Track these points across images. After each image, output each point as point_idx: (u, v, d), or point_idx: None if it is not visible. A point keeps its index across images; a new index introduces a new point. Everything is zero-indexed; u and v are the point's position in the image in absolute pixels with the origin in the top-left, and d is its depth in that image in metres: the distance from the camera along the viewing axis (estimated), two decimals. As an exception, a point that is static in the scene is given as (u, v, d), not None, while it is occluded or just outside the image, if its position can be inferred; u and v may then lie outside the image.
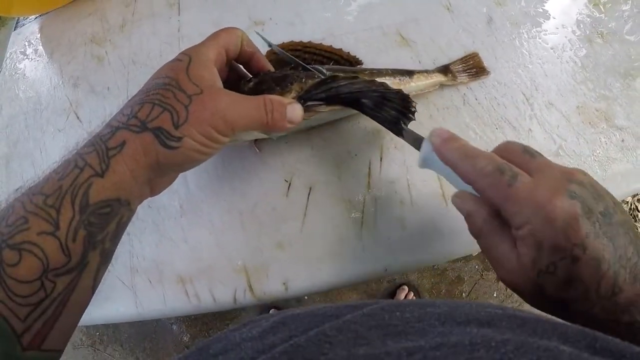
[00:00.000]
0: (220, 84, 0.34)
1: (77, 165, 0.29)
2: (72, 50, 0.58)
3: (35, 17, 0.65)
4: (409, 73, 0.43)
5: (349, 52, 0.47)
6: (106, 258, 0.31)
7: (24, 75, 0.60)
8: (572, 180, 0.27)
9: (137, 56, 0.54)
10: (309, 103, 0.38)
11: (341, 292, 1.45)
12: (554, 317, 0.23)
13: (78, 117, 0.53)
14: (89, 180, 0.29)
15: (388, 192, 0.41)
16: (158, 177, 0.33)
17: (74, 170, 0.29)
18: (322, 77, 0.39)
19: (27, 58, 0.62)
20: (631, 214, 1.54)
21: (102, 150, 0.30)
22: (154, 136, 0.31)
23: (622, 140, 0.43)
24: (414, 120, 0.38)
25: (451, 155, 0.31)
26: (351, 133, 0.44)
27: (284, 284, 0.40)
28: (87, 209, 0.29)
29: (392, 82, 0.42)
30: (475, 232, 0.31)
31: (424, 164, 0.33)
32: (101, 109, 0.52)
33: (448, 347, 0.19)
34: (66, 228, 0.28)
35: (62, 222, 0.28)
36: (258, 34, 0.45)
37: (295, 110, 0.36)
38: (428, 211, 0.40)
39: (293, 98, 0.38)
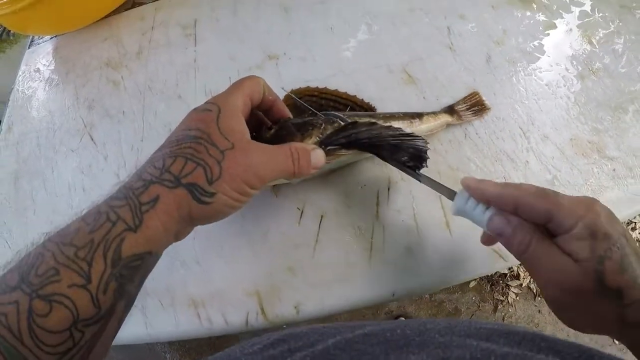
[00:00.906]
0: (248, 135, 0.34)
1: (109, 218, 0.29)
2: (88, 72, 0.59)
3: (51, 38, 0.66)
4: (419, 115, 0.46)
5: (362, 99, 0.49)
6: (131, 302, 0.32)
7: (37, 93, 0.62)
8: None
9: (154, 83, 0.56)
10: (330, 147, 0.40)
11: (336, 320, 1.45)
12: (552, 336, 0.24)
13: (92, 139, 0.54)
14: (122, 235, 0.29)
15: (395, 220, 0.44)
16: (187, 227, 0.33)
17: (106, 223, 0.29)
18: (342, 123, 0.41)
19: (41, 77, 0.63)
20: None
21: (135, 204, 0.30)
22: (188, 192, 0.31)
23: (614, 170, 0.46)
24: (427, 167, 0.40)
25: (492, 188, 0.33)
26: (360, 165, 0.47)
27: (295, 307, 0.41)
28: (119, 263, 0.29)
29: (404, 125, 0.44)
30: (523, 247, 0.32)
31: (459, 212, 0.35)
32: (115, 133, 0.54)
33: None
34: (97, 281, 0.28)
35: (94, 275, 0.28)
36: (292, 95, 0.46)
37: (318, 156, 0.38)
38: (433, 239, 0.43)
39: (314, 143, 0.39)
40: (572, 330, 0.33)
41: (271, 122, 0.41)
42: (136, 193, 0.30)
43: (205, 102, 0.35)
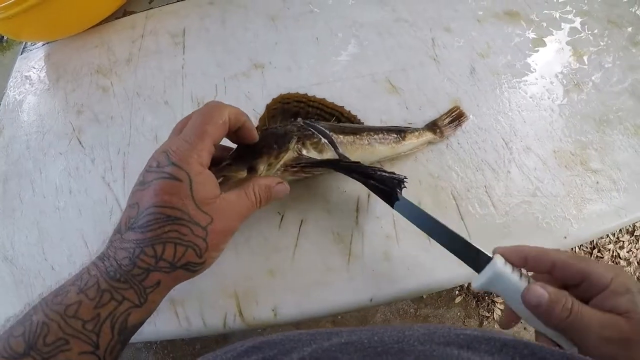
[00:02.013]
0: (219, 191, 0.36)
1: (113, 297, 0.32)
2: (78, 78, 0.60)
3: (43, 44, 0.67)
4: (402, 133, 0.46)
5: (349, 111, 0.49)
6: None
7: (28, 98, 0.63)
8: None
9: (142, 89, 0.56)
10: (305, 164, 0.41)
11: (319, 325, 1.44)
12: (533, 342, 0.23)
13: (80, 143, 0.55)
14: (128, 311, 0.33)
15: (374, 227, 0.44)
16: None
17: (112, 302, 0.32)
18: (320, 137, 0.43)
19: (32, 82, 0.64)
20: (613, 261, 1.57)
21: (139, 289, 0.33)
22: (184, 270, 0.35)
23: (597, 183, 0.46)
24: (398, 198, 0.40)
25: (529, 248, 0.34)
26: (334, 175, 0.47)
27: (273, 310, 0.41)
28: (124, 332, 0.33)
29: (387, 143, 0.45)
30: (567, 311, 0.31)
31: (492, 279, 0.33)
32: (103, 137, 0.54)
33: None
34: (105, 346, 0.32)
35: (102, 343, 0.31)
36: (308, 124, 0.45)
37: (280, 190, 0.40)
38: (411, 246, 0.43)
39: (290, 161, 0.41)
40: None
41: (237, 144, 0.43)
42: (138, 279, 0.33)
43: (170, 163, 0.34)
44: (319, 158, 0.42)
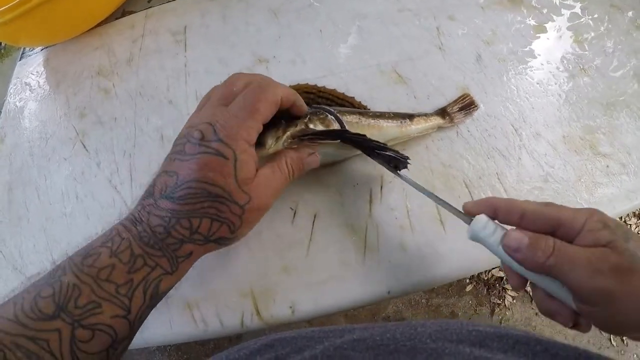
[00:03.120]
0: (256, 167, 0.36)
1: (146, 263, 0.32)
2: (79, 82, 0.60)
3: (42, 49, 0.67)
4: (410, 117, 0.46)
5: (360, 102, 0.49)
6: None
7: (29, 104, 0.62)
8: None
9: (145, 89, 0.56)
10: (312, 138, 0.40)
11: (334, 323, 1.44)
12: (546, 338, 0.23)
13: (85, 147, 0.54)
14: (160, 277, 0.33)
15: (388, 218, 0.43)
16: None
17: (145, 267, 0.32)
18: (327, 114, 0.42)
19: (32, 88, 0.63)
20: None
21: (172, 257, 0.34)
22: (216, 244, 0.35)
23: (607, 167, 0.46)
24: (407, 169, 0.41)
25: (500, 200, 0.34)
26: (353, 164, 0.47)
27: (290, 307, 0.41)
28: (156, 297, 0.34)
29: (394, 122, 0.45)
30: (549, 250, 0.30)
31: (474, 234, 0.34)
32: (108, 139, 0.54)
33: None
34: (136, 311, 0.32)
35: (134, 307, 0.32)
36: (324, 109, 0.44)
37: (312, 162, 0.41)
38: (427, 235, 0.42)
39: (297, 132, 0.41)
40: (569, 332, 0.32)
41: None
42: (172, 248, 0.33)
43: (218, 139, 0.34)
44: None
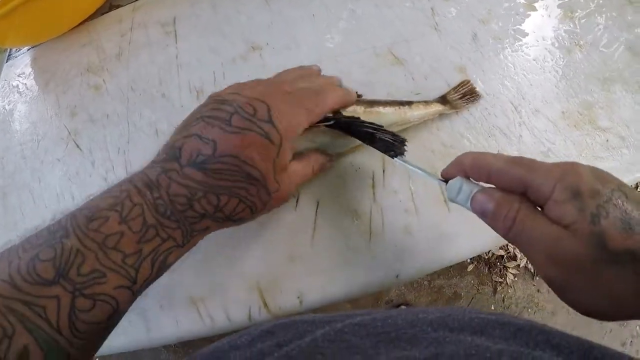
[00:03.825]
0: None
1: (158, 234, 0.30)
2: (68, 80, 0.58)
3: (28, 49, 0.65)
4: (408, 103, 0.45)
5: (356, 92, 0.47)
6: None
7: (18, 106, 0.61)
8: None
9: (136, 84, 0.55)
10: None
11: (339, 309, 1.44)
12: (548, 327, 0.21)
13: (78, 146, 0.53)
14: (170, 250, 0.31)
15: (392, 201, 0.43)
16: None
17: (156, 238, 0.30)
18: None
19: (21, 90, 0.62)
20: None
21: (187, 230, 0.32)
22: (233, 223, 0.34)
23: (607, 140, 0.45)
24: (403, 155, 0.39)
25: (468, 158, 0.31)
26: (353, 150, 0.46)
27: (298, 297, 0.40)
28: (162, 269, 0.32)
29: (392, 111, 0.44)
30: (509, 222, 0.28)
31: (451, 190, 0.33)
32: (101, 137, 0.53)
33: (444, 357, 0.19)
34: (141, 283, 0.30)
35: (140, 278, 0.30)
36: None
37: (329, 167, 0.43)
38: (432, 217, 0.42)
39: None
40: (572, 310, 0.29)
41: None
42: (189, 221, 0.32)
43: (271, 121, 0.33)
44: None
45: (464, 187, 0.31)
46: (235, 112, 0.32)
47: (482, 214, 0.30)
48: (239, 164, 0.31)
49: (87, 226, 0.29)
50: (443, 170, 0.34)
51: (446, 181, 0.33)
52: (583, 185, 0.25)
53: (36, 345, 0.25)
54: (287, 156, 0.34)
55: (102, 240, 0.29)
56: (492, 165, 0.29)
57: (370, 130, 0.39)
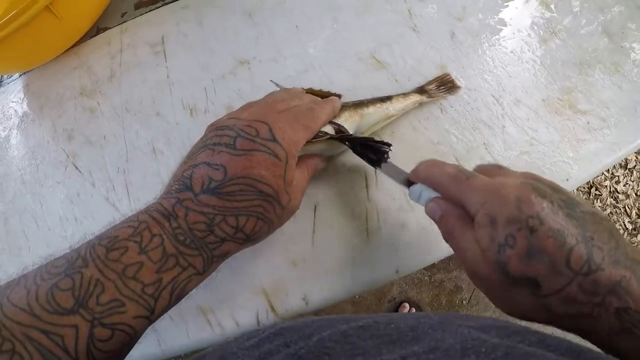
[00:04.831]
0: None
1: (179, 263, 0.31)
2: (62, 104, 0.59)
3: (20, 75, 0.66)
4: (388, 98, 0.47)
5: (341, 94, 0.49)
6: None
7: (14, 132, 0.61)
8: (528, 177, 0.30)
9: (130, 104, 0.56)
10: None
11: (342, 311, 1.45)
12: (542, 331, 0.23)
13: (77, 168, 0.54)
14: (190, 278, 0.32)
15: (387, 200, 0.45)
16: None
17: (176, 267, 0.31)
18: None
19: (15, 116, 0.63)
20: (611, 196, 1.62)
21: (208, 257, 0.32)
22: (251, 242, 0.35)
23: (588, 123, 0.48)
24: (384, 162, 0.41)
25: (422, 168, 0.35)
26: (345, 152, 0.47)
27: (303, 299, 0.42)
28: (180, 298, 0.32)
29: (375, 109, 0.46)
30: (448, 231, 0.32)
31: (412, 194, 0.37)
32: (99, 158, 0.54)
33: (441, 350, 0.20)
34: (159, 312, 0.31)
35: (158, 308, 0.30)
36: (272, 81, 0.49)
37: (322, 168, 0.44)
38: (424, 213, 0.44)
39: None
40: None
41: None
42: (210, 247, 0.32)
43: (275, 139, 0.34)
44: None
45: (422, 194, 0.35)
46: (238, 136, 0.33)
47: (432, 219, 0.34)
48: (252, 183, 0.32)
49: (106, 256, 0.29)
50: (409, 174, 0.37)
51: (409, 186, 0.37)
52: (500, 213, 0.28)
53: None
54: (293, 171, 0.35)
55: (122, 270, 0.29)
56: (437, 180, 0.33)
57: (359, 142, 0.42)
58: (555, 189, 0.29)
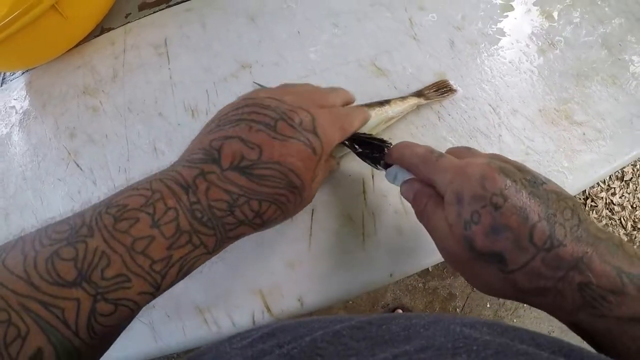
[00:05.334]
0: None
1: (191, 241, 0.29)
2: (65, 102, 0.60)
3: (22, 73, 0.67)
4: (387, 101, 0.48)
5: None
6: None
7: (16, 129, 0.62)
8: (494, 157, 0.31)
9: (133, 104, 0.56)
10: None
11: (334, 314, 1.45)
12: (533, 330, 0.23)
13: (78, 166, 0.55)
14: (199, 257, 0.30)
15: (382, 204, 0.45)
16: None
17: (188, 245, 0.29)
18: None
19: (17, 112, 0.63)
20: (607, 208, 1.62)
21: (221, 237, 0.31)
22: (265, 227, 0.34)
23: (584, 134, 0.48)
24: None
25: (395, 150, 0.36)
26: (344, 158, 0.48)
27: (299, 300, 0.43)
28: (186, 275, 0.31)
29: (374, 112, 0.46)
30: (420, 210, 0.33)
31: (388, 176, 0.39)
32: (101, 157, 0.54)
33: (433, 349, 0.21)
34: (164, 288, 0.29)
35: (164, 285, 0.29)
36: (255, 82, 0.50)
37: (336, 169, 0.45)
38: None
39: None
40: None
41: None
42: (227, 228, 0.31)
43: (316, 133, 0.33)
44: None
45: (397, 176, 0.37)
46: (281, 119, 0.32)
47: (407, 199, 0.35)
48: (285, 171, 0.31)
49: (114, 226, 0.27)
50: (385, 155, 0.38)
51: (386, 168, 0.38)
52: (466, 191, 0.29)
53: (50, 347, 0.24)
54: (322, 168, 0.35)
55: (131, 243, 0.27)
56: (408, 160, 0.34)
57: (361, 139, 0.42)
58: (520, 168, 0.30)
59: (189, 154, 0.32)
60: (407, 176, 0.36)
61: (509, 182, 0.28)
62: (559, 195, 0.28)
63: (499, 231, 0.27)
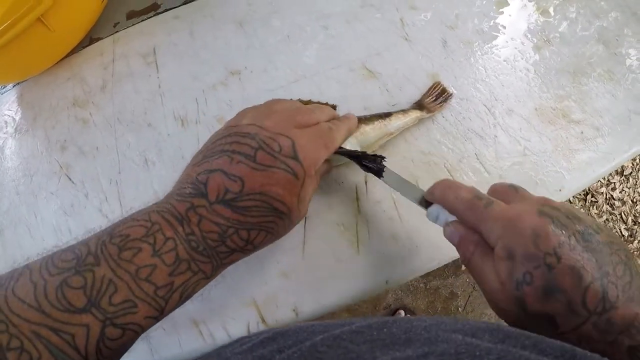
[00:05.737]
0: None
1: (190, 268, 0.31)
2: (56, 114, 0.59)
3: (13, 85, 0.66)
4: (387, 115, 0.46)
5: (334, 104, 0.48)
6: None
7: (7, 143, 0.61)
8: (545, 204, 0.29)
9: (122, 115, 0.56)
10: None
11: (337, 318, 1.45)
12: (535, 334, 0.23)
13: (70, 179, 0.54)
14: (199, 282, 0.32)
15: (376, 211, 0.45)
16: None
17: (188, 272, 0.31)
18: None
19: (9, 126, 0.63)
20: (607, 203, 1.61)
21: (217, 263, 0.33)
22: (257, 250, 0.35)
23: (581, 132, 0.47)
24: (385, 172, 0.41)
25: (438, 190, 0.34)
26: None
27: (293, 310, 0.42)
28: (188, 298, 0.33)
29: (374, 127, 0.45)
30: (467, 256, 0.32)
31: (429, 216, 0.37)
32: (92, 169, 0.54)
33: (435, 355, 0.20)
34: (168, 312, 0.32)
35: (167, 309, 0.31)
36: None
37: (328, 172, 0.45)
38: (415, 223, 0.44)
39: None
40: None
41: None
42: (221, 256, 0.33)
43: (296, 158, 0.34)
44: None
45: (440, 216, 0.35)
46: (260, 148, 0.33)
47: (451, 243, 0.34)
48: (268, 200, 0.33)
49: (118, 255, 0.29)
50: (425, 193, 0.37)
51: (427, 207, 0.37)
52: (518, 248, 0.28)
53: None
54: (307, 189, 0.35)
55: (135, 271, 0.29)
56: (453, 205, 0.33)
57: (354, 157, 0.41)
58: (571, 216, 0.29)
59: (179, 187, 0.34)
60: (450, 218, 0.34)
61: (562, 238, 0.27)
62: (612, 247, 0.28)
63: (551, 293, 0.26)
